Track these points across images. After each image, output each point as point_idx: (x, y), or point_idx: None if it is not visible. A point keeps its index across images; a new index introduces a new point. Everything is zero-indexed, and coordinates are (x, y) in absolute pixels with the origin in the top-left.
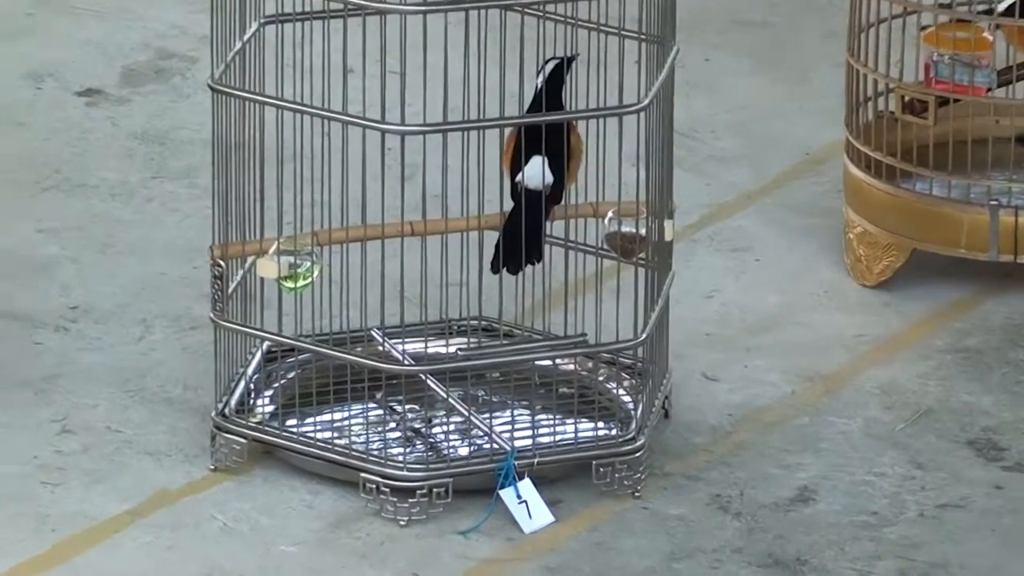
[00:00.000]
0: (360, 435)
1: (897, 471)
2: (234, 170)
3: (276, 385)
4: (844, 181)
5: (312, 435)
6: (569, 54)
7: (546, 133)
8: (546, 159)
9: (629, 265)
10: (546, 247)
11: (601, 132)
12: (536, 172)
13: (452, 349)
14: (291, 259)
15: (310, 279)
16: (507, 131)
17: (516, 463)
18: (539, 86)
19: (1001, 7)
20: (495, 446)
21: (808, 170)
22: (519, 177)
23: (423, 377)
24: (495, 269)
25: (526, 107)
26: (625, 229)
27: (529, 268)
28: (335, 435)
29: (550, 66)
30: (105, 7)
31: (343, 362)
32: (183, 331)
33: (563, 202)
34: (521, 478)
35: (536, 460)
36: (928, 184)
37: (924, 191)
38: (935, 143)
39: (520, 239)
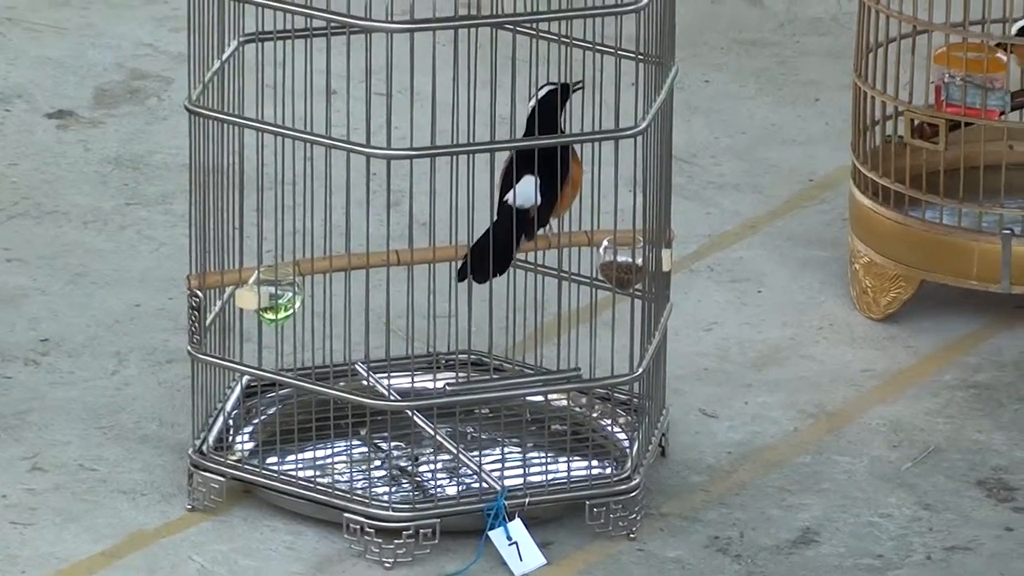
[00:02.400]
0: (344, 473)
1: (904, 512)
2: (212, 196)
3: (256, 421)
4: (850, 209)
5: (294, 473)
6: (569, 81)
7: (541, 157)
8: (539, 180)
9: (625, 296)
10: (539, 278)
11: (597, 156)
12: (527, 191)
13: (440, 384)
14: (272, 289)
15: (291, 310)
16: (502, 163)
17: (506, 503)
18: (532, 108)
19: (1015, 28)
20: (484, 485)
21: (812, 197)
22: (509, 196)
23: (409, 413)
24: (462, 276)
25: (518, 131)
26: (621, 259)
27: (520, 299)
28: (317, 473)
29: (544, 90)
30: (72, 25)
31: (326, 397)
32: (159, 365)
33: (555, 229)
34: (511, 518)
35: (527, 500)
36: (938, 212)
37: (934, 219)
38: (946, 169)
39: (495, 250)
